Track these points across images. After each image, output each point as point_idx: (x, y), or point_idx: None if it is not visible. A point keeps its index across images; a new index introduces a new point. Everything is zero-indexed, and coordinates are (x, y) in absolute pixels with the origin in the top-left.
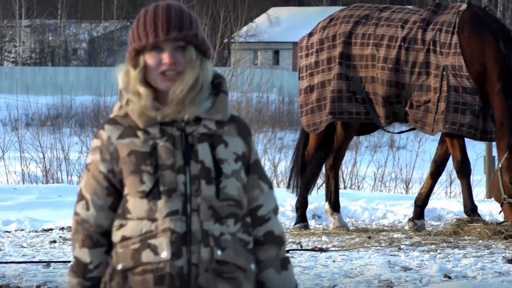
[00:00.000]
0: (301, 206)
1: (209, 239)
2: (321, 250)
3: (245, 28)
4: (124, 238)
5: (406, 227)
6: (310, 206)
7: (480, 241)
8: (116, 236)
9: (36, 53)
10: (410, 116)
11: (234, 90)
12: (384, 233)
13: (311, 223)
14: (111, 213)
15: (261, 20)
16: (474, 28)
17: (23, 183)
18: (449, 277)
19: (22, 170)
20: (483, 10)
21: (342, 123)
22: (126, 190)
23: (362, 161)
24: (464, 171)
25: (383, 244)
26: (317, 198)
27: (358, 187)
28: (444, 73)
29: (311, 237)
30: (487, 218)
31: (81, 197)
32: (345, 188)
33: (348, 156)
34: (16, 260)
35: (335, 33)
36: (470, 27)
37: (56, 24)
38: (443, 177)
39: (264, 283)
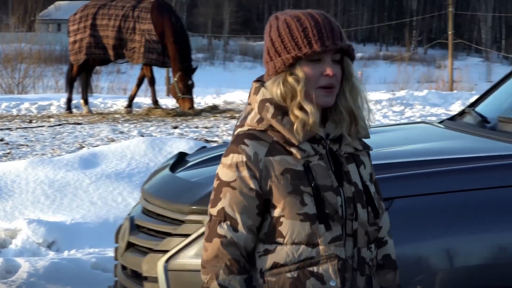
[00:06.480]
0: (68, 101)
1: (365, 267)
2: (77, 124)
3: (42, 12)
4: (276, 265)
5: (123, 111)
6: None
7: (160, 118)
8: (261, 262)
9: None
10: (126, 55)
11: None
12: (111, 114)
13: (74, 110)
14: (256, 236)
15: (51, 7)
16: (158, 10)
17: None
18: (142, 136)
19: None
20: (163, 1)
21: (91, 59)
22: (277, 212)
23: (102, 79)
24: (151, 83)
25: (110, 120)
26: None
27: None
28: (143, 33)
29: (71, 118)
30: (164, 107)
31: (225, 217)
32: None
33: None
34: None
35: (88, 13)
36: (156, 9)
37: None
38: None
39: None
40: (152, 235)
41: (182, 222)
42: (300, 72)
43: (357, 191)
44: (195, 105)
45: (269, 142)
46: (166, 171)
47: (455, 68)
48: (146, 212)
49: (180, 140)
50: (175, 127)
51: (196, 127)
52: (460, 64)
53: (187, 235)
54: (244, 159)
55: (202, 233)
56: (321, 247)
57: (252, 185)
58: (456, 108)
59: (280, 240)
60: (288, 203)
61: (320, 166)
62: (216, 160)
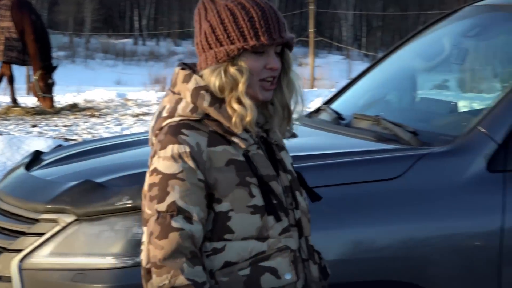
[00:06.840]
0: None
1: (314, 255)
2: None
3: None
4: (227, 264)
5: None
6: None
7: (19, 116)
8: (210, 263)
9: None
10: None
11: None
12: None
13: None
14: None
15: None
16: (18, 7)
17: None
18: (0, 135)
19: None
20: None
21: None
22: (224, 206)
23: None
24: (10, 81)
25: None
26: None
27: None
28: (2, 30)
29: None
30: (23, 105)
31: (178, 210)
32: None
33: None
34: None
35: None
36: (16, 7)
37: None
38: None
39: None
40: (6, 234)
41: (36, 220)
42: (244, 63)
43: (293, 179)
44: (55, 104)
45: (206, 132)
46: (21, 169)
47: (316, 65)
48: (0, 211)
49: (39, 139)
50: (34, 126)
51: (56, 126)
52: (322, 61)
53: (41, 234)
54: (188, 149)
55: (57, 232)
56: (271, 240)
57: (200, 176)
58: (316, 105)
59: (228, 236)
60: (236, 195)
61: (259, 155)
62: (72, 158)
